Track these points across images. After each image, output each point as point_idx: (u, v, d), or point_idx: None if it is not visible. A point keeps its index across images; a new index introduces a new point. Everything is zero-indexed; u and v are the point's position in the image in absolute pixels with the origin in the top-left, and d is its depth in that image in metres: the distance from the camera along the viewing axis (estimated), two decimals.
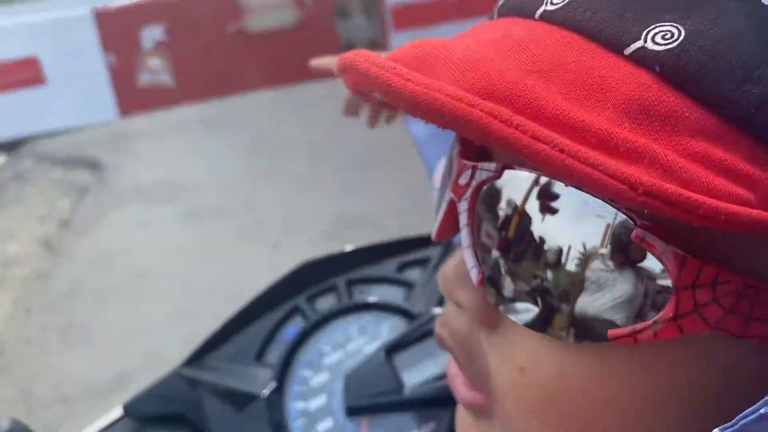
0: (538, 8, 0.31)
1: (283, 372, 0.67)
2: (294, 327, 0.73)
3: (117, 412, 0.68)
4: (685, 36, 0.26)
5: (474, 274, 0.32)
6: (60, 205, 3.69)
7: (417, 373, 0.66)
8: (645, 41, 0.27)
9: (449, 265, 0.36)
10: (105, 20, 0.97)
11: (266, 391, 0.65)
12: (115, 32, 1.00)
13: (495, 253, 0.31)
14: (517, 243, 0.30)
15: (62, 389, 2.18)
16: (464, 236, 0.33)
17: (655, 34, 0.27)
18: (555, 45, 0.29)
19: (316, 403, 0.66)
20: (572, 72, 0.27)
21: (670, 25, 0.27)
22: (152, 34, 0.95)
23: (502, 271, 0.31)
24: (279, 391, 0.66)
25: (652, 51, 0.27)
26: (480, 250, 0.32)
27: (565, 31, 0.29)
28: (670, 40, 0.26)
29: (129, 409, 0.68)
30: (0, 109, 1.05)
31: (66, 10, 1.02)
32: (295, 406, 0.66)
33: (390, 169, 3.68)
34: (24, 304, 2.65)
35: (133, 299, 2.61)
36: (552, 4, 0.31)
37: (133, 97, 1.01)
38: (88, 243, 3.19)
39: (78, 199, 3.78)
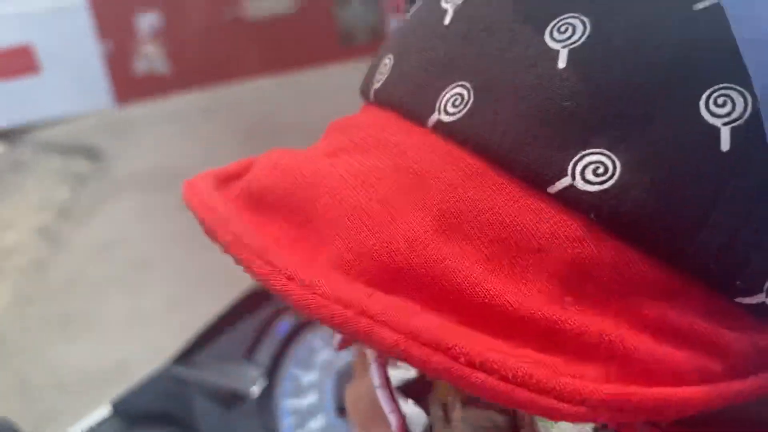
0: (430, 114, 0.25)
1: (273, 370, 0.66)
2: (285, 323, 0.72)
3: (105, 410, 0.68)
4: (621, 171, 0.21)
5: (393, 421, 0.28)
6: (58, 193, 3.68)
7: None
8: (573, 177, 0.22)
9: (359, 394, 0.31)
10: (100, 7, 0.95)
11: (256, 389, 0.65)
12: (111, 19, 0.98)
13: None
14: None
15: (60, 379, 2.18)
16: (374, 374, 0.29)
17: (585, 167, 0.22)
18: (463, 180, 0.23)
19: (307, 401, 0.65)
20: (493, 227, 0.22)
21: (602, 154, 0.22)
22: (148, 21, 0.94)
23: None
24: (269, 389, 0.65)
25: (584, 192, 0.22)
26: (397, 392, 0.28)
27: (471, 157, 0.24)
28: (604, 177, 0.22)
29: (117, 407, 0.67)
30: None
31: None
32: (285, 404, 0.65)
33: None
34: (23, 294, 2.65)
35: (132, 289, 2.60)
36: (447, 113, 0.25)
37: (129, 85, 1.00)
38: (87, 232, 3.19)
39: (76, 187, 3.77)
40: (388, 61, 0.29)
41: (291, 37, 1.12)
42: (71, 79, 0.97)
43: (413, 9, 0.30)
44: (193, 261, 2.75)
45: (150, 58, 0.93)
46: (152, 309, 2.44)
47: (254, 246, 0.25)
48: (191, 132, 3.93)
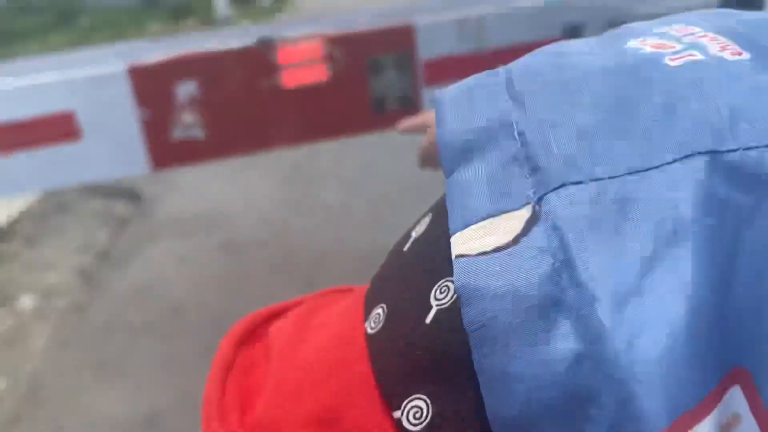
0: (363, 321, 0.30)
1: None
2: None
3: None
4: (431, 416, 0.24)
5: None
6: (99, 236, 3.76)
7: None
8: (403, 412, 0.25)
9: None
10: (139, 76, 1.00)
11: None
12: (149, 87, 1.02)
13: None
14: None
15: (93, 427, 2.20)
16: None
17: (411, 408, 0.24)
18: (348, 386, 0.28)
19: None
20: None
21: (420, 399, 0.24)
22: (185, 89, 0.98)
23: None
24: None
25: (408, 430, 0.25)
26: None
27: (368, 367, 0.28)
28: (420, 420, 0.24)
29: None
30: (34, 162, 1.08)
31: (102, 66, 1.05)
32: None
33: (423, 203, 3.64)
34: (60, 337, 2.70)
35: (167, 335, 2.63)
36: (371, 327, 0.29)
37: (165, 151, 1.03)
38: (125, 275, 3.24)
39: (117, 230, 3.86)
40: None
41: (324, 105, 1.15)
42: (110, 146, 1.01)
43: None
44: (228, 308, 2.78)
45: (187, 125, 0.97)
46: (185, 356, 2.46)
47: None
48: (231, 177, 4.01)
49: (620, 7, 1.44)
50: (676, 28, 0.26)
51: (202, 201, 4.04)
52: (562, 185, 0.22)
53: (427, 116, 0.73)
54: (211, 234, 3.61)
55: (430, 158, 0.72)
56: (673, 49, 0.24)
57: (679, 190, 0.20)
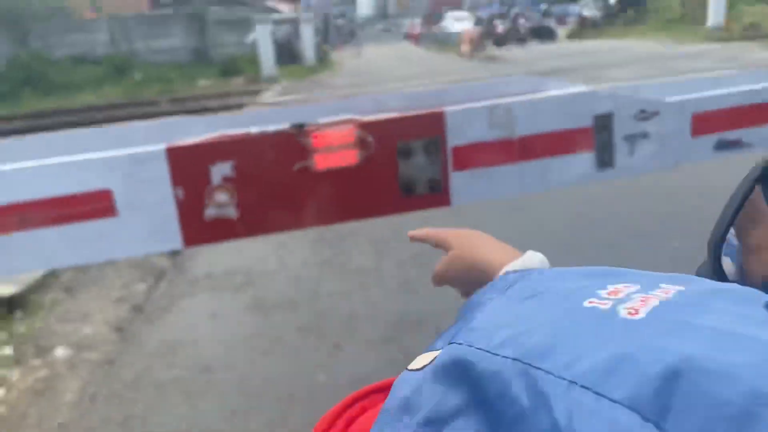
0: None
1: None
2: None
3: None
4: None
5: None
6: (136, 288, 3.84)
7: None
8: None
9: None
10: (176, 156, 1.04)
11: None
12: (186, 167, 1.06)
13: None
14: None
15: None
16: None
17: None
18: None
19: None
20: None
21: None
22: (221, 169, 1.02)
23: None
24: None
25: None
26: None
27: None
28: None
29: None
30: (71, 237, 1.12)
31: (141, 146, 1.10)
32: None
33: None
34: (90, 392, 2.73)
35: (193, 394, 2.64)
36: None
37: (198, 230, 1.06)
38: (158, 331, 3.29)
39: (154, 283, 3.93)
40: None
41: (355, 187, 1.18)
42: (144, 223, 1.05)
43: None
44: (255, 369, 2.79)
45: (220, 205, 1.00)
46: (209, 418, 2.47)
47: None
48: (265, 235, 4.08)
49: (647, 97, 1.46)
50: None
51: (235, 258, 4.11)
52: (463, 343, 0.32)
53: (436, 233, 0.76)
54: (242, 291, 3.65)
55: (445, 280, 0.76)
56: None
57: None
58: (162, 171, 1.16)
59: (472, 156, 1.35)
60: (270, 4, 33.25)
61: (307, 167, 1.21)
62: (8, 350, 3.13)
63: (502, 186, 1.41)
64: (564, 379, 0.27)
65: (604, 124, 1.45)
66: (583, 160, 1.45)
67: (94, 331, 3.32)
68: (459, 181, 1.37)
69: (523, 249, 0.71)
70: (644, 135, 1.49)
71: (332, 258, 4.03)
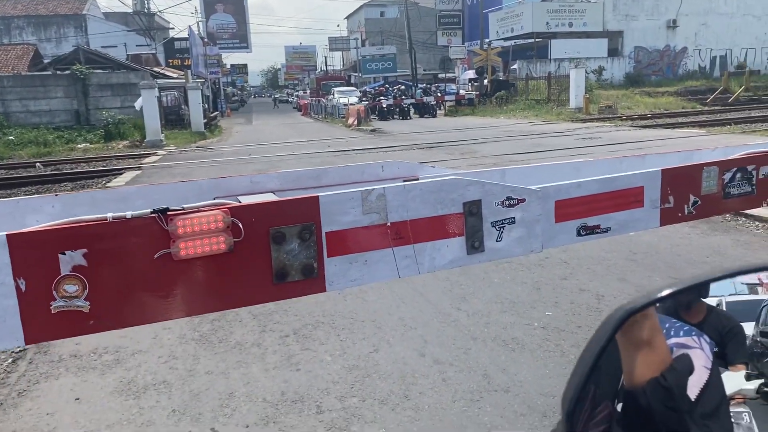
0: None
1: None
2: None
3: None
4: None
5: None
6: None
7: None
8: None
9: None
10: (19, 243, 0.94)
11: None
12: (30, 256, 0.96)
13: None
14: None
15: None
16: None
17: None
18: None
19: None
20: None
21: None
22: (71, 258, 0.92)
23: None
24: None
25: None
26: None
27: None
28: None
29: None
30: None
31: None
32: None
33: (336, 341, 3.61)
34: None
35: None
36: None
37: (43, 325, 0.95)
38: (12, 420, 2.98)
39: (11, 365, 3.59)
40: None
41: (224, 275, 1.12)
42: None
43: None
44: None
45: (69, 296, 0.91)
46: None
47: None
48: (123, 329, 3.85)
49: (513, 185, 1.54)
50: None
51: (105, 335, 3.84)
52: None
53: None
54: (111, 372, 3.40)
55: None
56: None
57: None
58: (1, 260, 1.06)
59: (346, 241, 1.34)
60: (158, 69, 32.79)
61: (170, 255, 1.15)
62: None
63: (377, 271, 1.41)
64: None
65: (472, 210, 1.50)
66: (454, 245, 1.49)
67: None
68: (334, 266, 1.35)
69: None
70: (511, 221, 1.55)
71: (211, 333, 3.86)
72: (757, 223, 5.88)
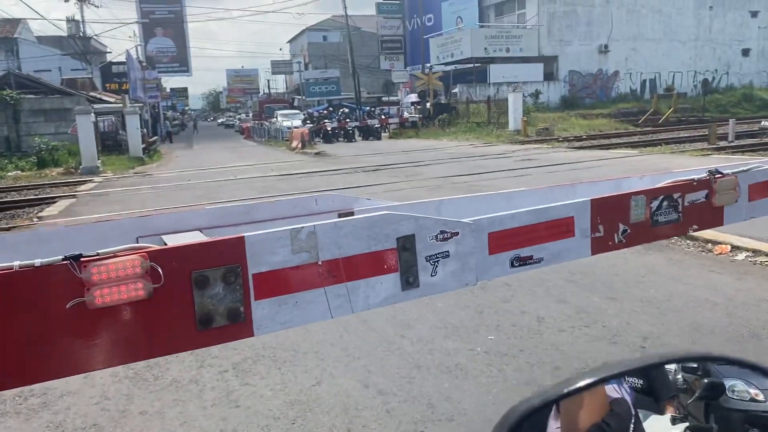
0: None
1: None
2: None
3: None
4: None
5: None
6: None
7: None
8: None
9: None
10: None
11: None
12: None
13: None
14: None
15: None
16: None
17: None
18: None
19: None
20: None
21: None
22: None
23: None
24: None
25: None
26: None
27: None
28: None
29: None
30: None
31: None
32: None
33: (277, 374, 3.52)
34: None
35: None
36: None
37: None
38: None
39: None
40: None
41: (143, 323, 1.05)
42: None
43: None
44: None
45: None
46: None
47: None
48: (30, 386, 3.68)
49: (447, 218, 1.52)
50: None
51: None
52: None
53: None
54: (37, 417, 3.23)
55: None
56: None
57: None
58: None
59: (275, 282, 1.30)
60: (95, 94, 31.99)
61: (84, 304, 1.08)
62: None
63: (309, 312, 1.36)
64: None
65: (406, 245, 1.47)
66: (388, 282, 1.46)
67: None
68: (262, 309, 1.30)
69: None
70: (446, 255, 1.54)
71: (146, 370, 3.71)
72: (688, 242, 6.08)
